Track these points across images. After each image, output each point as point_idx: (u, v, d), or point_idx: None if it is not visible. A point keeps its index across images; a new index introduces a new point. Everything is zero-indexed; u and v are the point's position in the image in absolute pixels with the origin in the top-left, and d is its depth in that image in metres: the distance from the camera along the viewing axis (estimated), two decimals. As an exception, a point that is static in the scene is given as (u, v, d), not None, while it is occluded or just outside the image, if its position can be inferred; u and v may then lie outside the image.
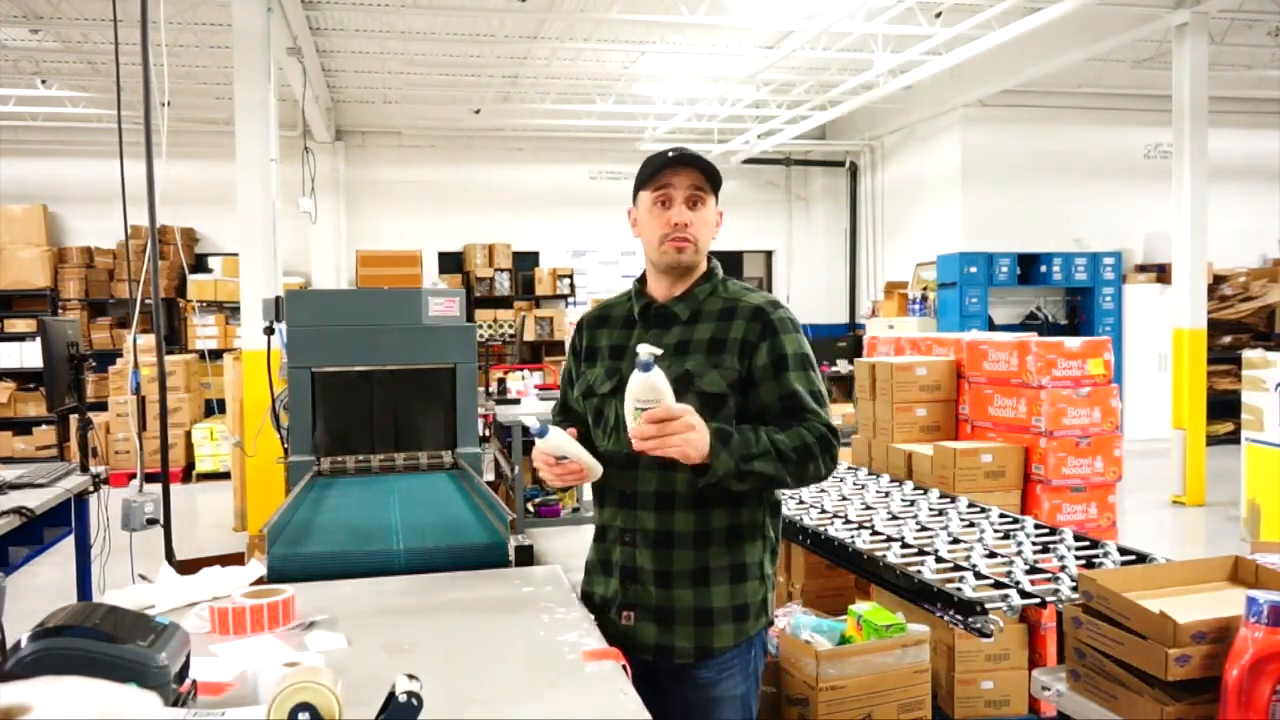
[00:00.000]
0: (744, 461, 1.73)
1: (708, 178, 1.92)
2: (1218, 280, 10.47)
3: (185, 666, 1.41)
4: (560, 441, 1.79)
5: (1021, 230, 10.74)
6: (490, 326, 11.81)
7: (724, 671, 1.88)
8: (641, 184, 1.95)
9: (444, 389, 3.55)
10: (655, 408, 1.67)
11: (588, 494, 6.25)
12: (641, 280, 2.05)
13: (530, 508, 6.32)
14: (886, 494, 3.92)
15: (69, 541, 4.14)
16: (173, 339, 11.04)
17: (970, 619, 2.42)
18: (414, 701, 1.24)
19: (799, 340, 1.92)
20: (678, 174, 1.91)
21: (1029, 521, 3.31)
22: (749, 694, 1.92)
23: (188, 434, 9.44)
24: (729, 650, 1.88)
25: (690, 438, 1.67)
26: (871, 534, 3.21)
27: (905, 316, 11.26)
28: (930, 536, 3.15)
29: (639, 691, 1.53)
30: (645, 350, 1.68)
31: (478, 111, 11.82)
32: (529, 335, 11.90)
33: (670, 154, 1.91)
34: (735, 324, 1.90)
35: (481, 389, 6.70)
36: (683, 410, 1.68)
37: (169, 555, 4.07)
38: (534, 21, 8.59)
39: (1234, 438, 7.62)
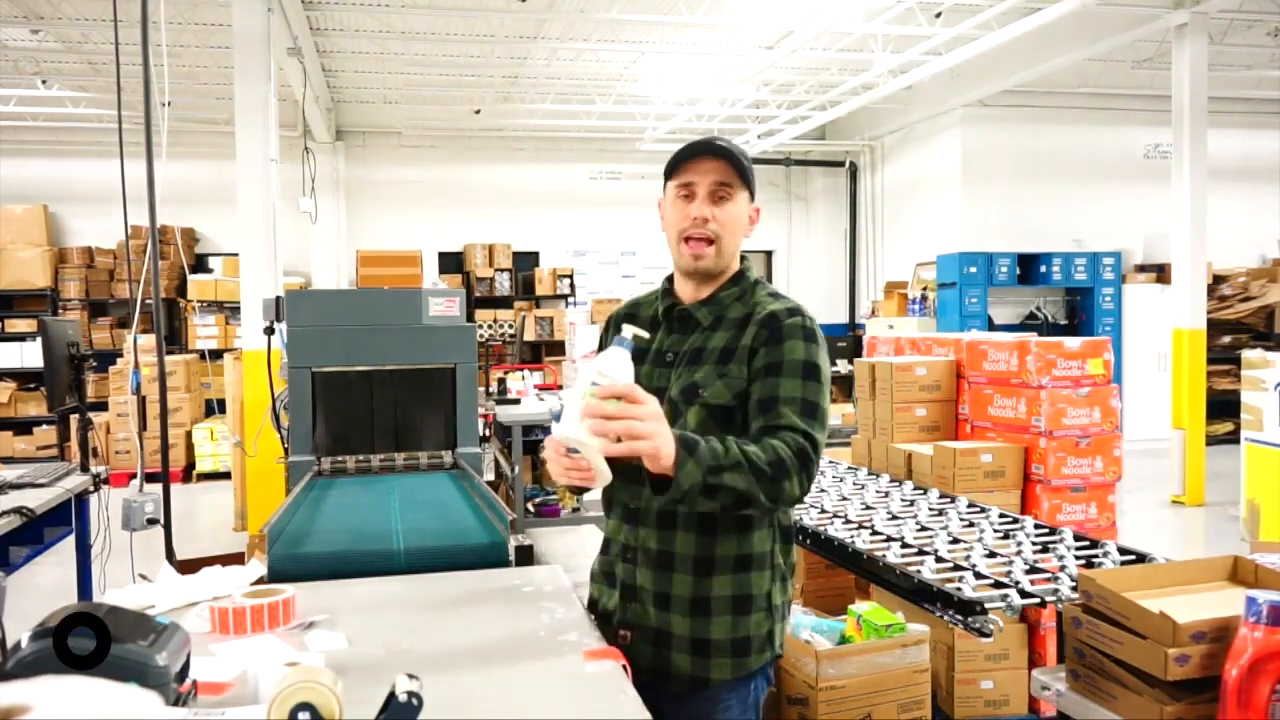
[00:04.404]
0: (712, 474, 1.53)
1: (736, 170, 1.77)
2: (1217, 280, 10.47)
3: (185, 666, 1.41)
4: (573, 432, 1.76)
5: (1021, 230, 10.75)
6: (490, 326, 11.82)
7: (719, 704, 1.80)
8: (667, 175, 1.84)
9: (444, 389, 3.55)
10: (618, 385, 1.45)
11: (588, 495, 6.29)
12: (671, 279, 1.94)
13: (530, 508, 6.32)
14: (886, 494, 3.92)
15: (69, 541, 4.14)
16: (173, 339, 11.05)
17: (970, 619, 2.42)
18: (414, 701, 1.23)
19: (807, 348, 1.75)
20: (702, 163, 1.77)
21: (1029, 521, 3.31)
22: None
23: (188, 434, 9.44)
24: (726, 683, 1.78)
25: (662, 430, 1.47)
26: (871, 534, 3.21)
27: (905, 316, 11.26)
28: (930, 536, 3.15)
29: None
30: (629, 329, 1.56)
31: (478, 112, 11.82)
32: (529, 335, 11.91)
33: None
34: (748, 331, 1.78)
35: (481, 389, 6.70)
36: (650, 398, 1.49)
37: (169, 555, 4.08)
38: (534, 22, 8.60)
39: (1234, 438, 7.63)
